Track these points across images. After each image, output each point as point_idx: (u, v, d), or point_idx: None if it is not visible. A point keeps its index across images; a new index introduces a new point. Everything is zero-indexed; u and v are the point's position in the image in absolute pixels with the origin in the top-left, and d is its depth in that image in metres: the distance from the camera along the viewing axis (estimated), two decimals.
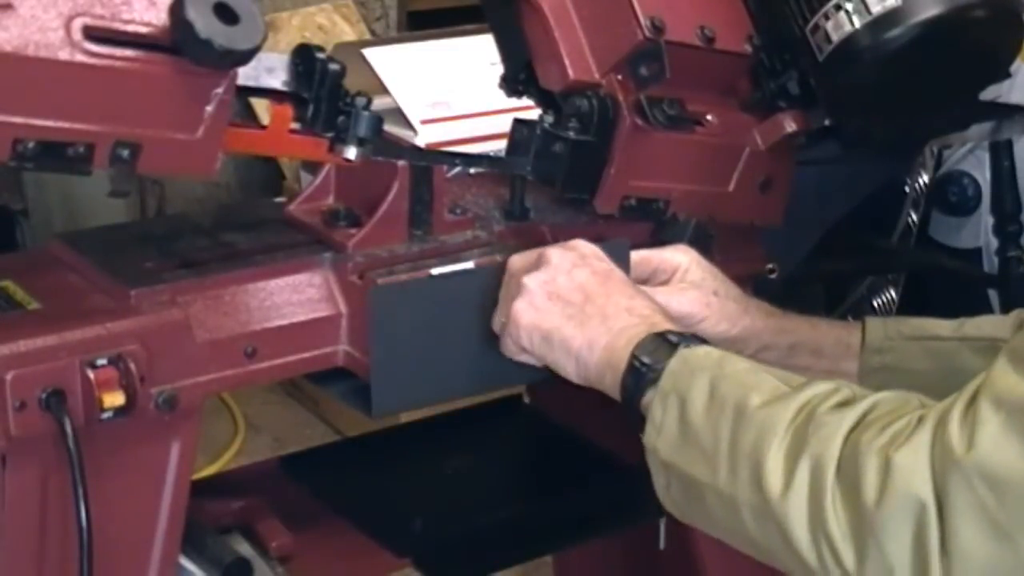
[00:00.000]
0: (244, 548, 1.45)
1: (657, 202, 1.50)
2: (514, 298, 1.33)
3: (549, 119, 1.45)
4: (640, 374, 1.23)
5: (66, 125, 1.16)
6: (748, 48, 1.50)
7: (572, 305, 1.31)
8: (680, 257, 1.45)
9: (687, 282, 1.43)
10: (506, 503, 1.61)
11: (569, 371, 1.32)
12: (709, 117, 1.51)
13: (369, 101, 1.30)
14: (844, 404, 1.12)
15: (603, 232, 1.49)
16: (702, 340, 1.27)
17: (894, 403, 1.11)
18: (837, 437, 1.09)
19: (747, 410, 1.15)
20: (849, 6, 1.41)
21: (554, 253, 1.34)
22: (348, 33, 3.37)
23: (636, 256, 1.44)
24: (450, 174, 1.46)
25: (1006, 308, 2.83)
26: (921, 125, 1.74)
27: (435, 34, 2.93)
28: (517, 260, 1.37)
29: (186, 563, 1.38)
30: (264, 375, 1.34)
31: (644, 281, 1.43)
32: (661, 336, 1.25)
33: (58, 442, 1.19)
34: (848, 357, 1.45)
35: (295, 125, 1.29)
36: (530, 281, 1.33)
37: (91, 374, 1.20)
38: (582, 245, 1.36)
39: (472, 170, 1.53)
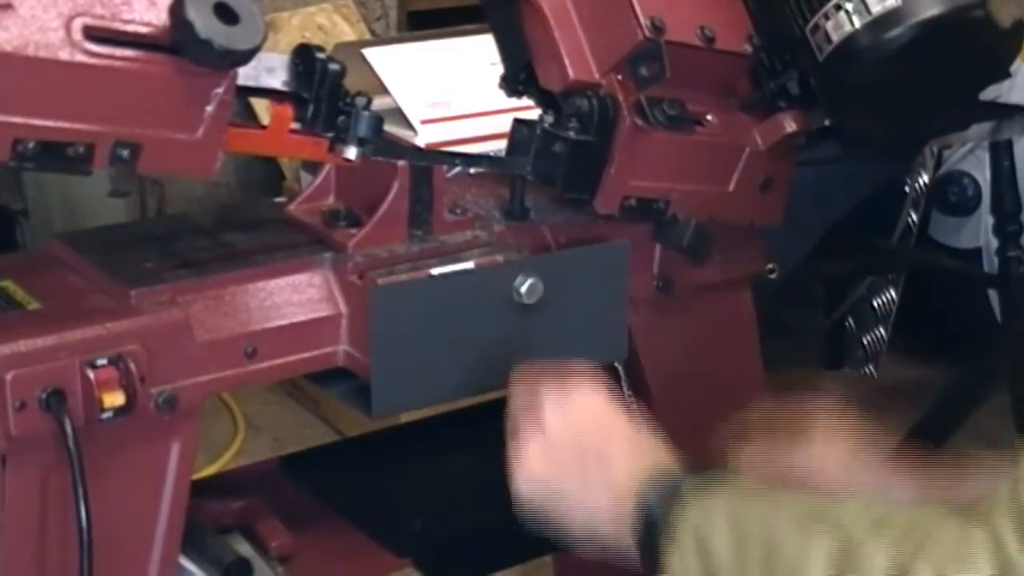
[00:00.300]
0: (244, 548, 1.45)
1: (657, 202, 1.49)
2: (513, 451, 1.28)
3: (549, 119, 1.45)
4: (652, 526, 1.16)
5: (66, 125, 1.16)
6: (748, 48, 1.49)
7: (570, 467, 1.25)
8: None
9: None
10: (506, 503, 1.61)
11: (579, 539, 1.25)
12: (709, 117, 1.51)
13: (369, 101, 1.30)
14: (879, 523, 1.04)
15: (603, 232, 1.49)
16: (707, 470, 1.20)
17: (931, 516, 1.03)
18: (880, 567, 1.00)
19: (777, 546, 1.06)
20: (849, 6, 1.41)
21: (549, 409, 1.27)
22: (348, 33, 3.37)
23: None
24: (450, 174, 1.46)
25: (1006, 308, 2.84)
26: (921, 125, 1.74)
27: (435, 34, 2.93)
28: (519, 398, 1.31)
29: (186, 563, 1.38)
30: (264, 375, 1.34)
31: None
32: (665, 479, 1.18)
33: (58, 442, 1.19)
34: None
35: (295, 125, 1.29)
36: (526, 443, 1.27)
37: (91, 374, 1.20)
38: (580, 391, 1.29)
39: (472, 170, 1.53)
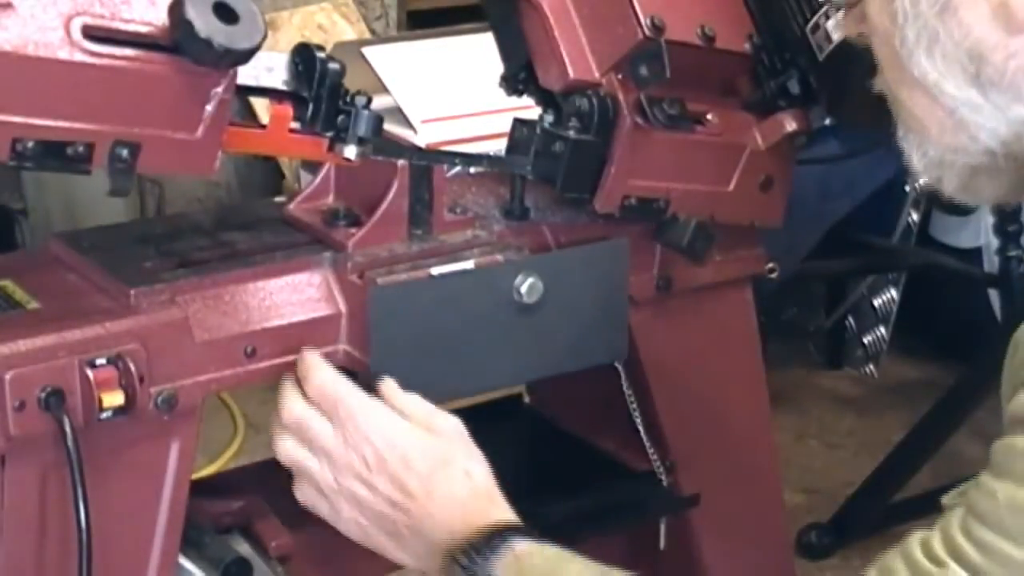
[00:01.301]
0: (243, 548, 1.45)
1: (657, 202, 1.49)
2: (307, 481, 1.25)
3: (549, 118, 1.45)
4: None
5: (65, 124, 1.15)
6: (748, 47, 1.49)
7: (388, 522, 1.22)
8: None
9: None
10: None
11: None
12: (709, 116, 1.50)
13: (369, 100, 1.30)
14: None
15: (603, 232, 1.49)
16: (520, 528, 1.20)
17: None
18: None
19: None
20: None
21: (345, 462, 1.22)
22: (348, 32, 3.37)
23: None
24: (450, 174, 1.46)
25: (1006, 308, 2.84)
26: None
27: (435, 34, 2.93)
28: (286, 417, 1.26)
29: (186, 563, 1.38)
30: (264, 375, 1.34)
31: None
32: (483, 541, 1.17)
33: (57, 442, 1.19)
34: None
35: (295, 124, 1.29)
36: (344, 495, 1.24)
37: (90, 374, 1.20)
38: (369, 434, 1.23)
39: (472, 170, 1.53)
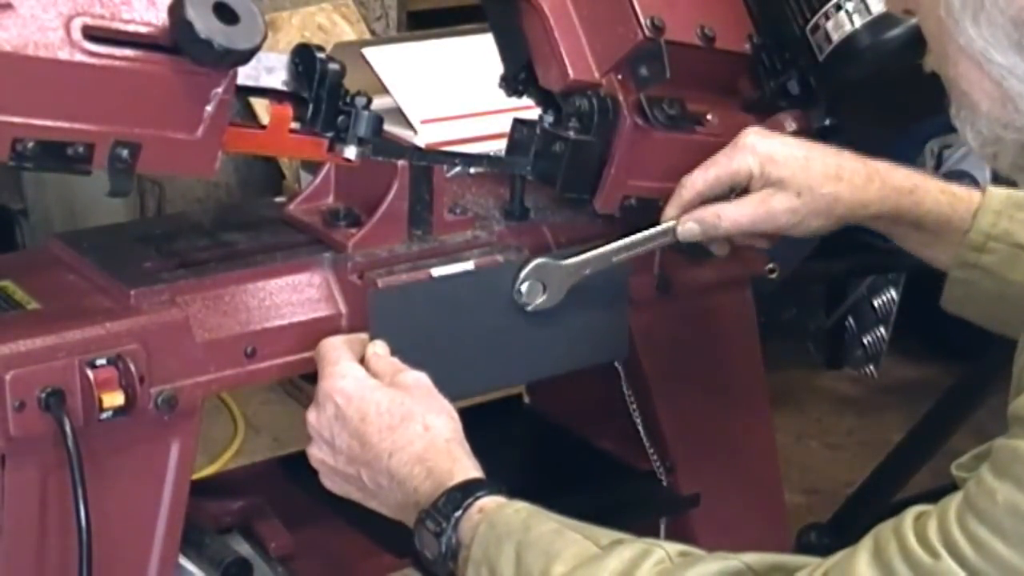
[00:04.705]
0: (243, 548, 1.45)
1: (657, 202, 1.49)
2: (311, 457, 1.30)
3: (549, 119, 1.45)
4: (446, 542, 1.18)
5: (65, 125, 1.15)
6: (748, 47, 1.49)
7: (355, 480, 1.26)
8: (747, 160, 1.40)
9: (768, 188, 1.39)
10: None
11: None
12: (709, 117, 1.50)
13: (369, 101, 1.30)
14: (659, 565, 1.08)
15: (603, 232, 1.49)
16: (488, 486, 1.21)
17: (716, 567, 1.08)
18: None
19: None
20: (849, 6, 1.41)
21: (311, 421, 1.27)
22: (348, 33, 3.37)
23: (708, 181, 1.40)
24: (450, 174, 1.46)
25: None
26: (921, 124, 1.74)
27: (435, 34, 2.93)
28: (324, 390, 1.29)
29: (186, 563, 1.38)
30: (264, 375, 1.34)
31: (726, 197, 1.40)
32: (457, 497, 1.19)
33: (57, 442, 1.19)
34: (947, 242, 1.45)
35: (295, 125, 1.29)
36: (312, 461, 1.29)
37: (90, 374, 1.20)
38: (332, 391, 1.26)
39: (472, 170, 1.53)
